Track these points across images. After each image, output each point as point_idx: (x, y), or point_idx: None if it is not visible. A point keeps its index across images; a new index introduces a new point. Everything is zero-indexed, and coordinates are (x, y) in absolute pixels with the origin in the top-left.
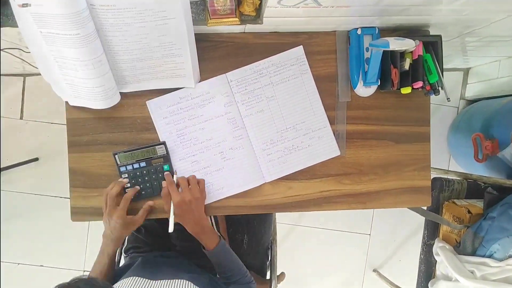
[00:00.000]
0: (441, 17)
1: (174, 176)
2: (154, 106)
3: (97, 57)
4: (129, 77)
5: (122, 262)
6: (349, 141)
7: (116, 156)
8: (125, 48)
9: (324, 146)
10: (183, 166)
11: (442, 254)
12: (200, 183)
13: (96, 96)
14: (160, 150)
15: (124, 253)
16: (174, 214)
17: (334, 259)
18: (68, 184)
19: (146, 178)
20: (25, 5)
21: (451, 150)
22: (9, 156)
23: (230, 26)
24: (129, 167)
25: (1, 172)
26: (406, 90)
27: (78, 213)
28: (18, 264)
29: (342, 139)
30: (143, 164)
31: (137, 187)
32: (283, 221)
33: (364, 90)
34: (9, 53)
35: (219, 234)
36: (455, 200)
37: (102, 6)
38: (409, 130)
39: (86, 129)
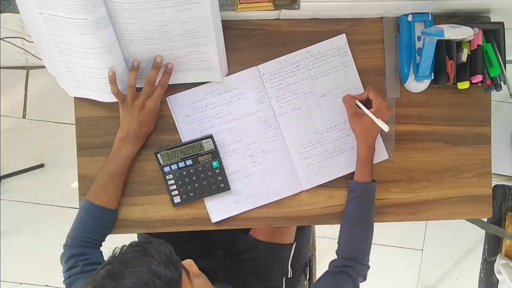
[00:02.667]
0: (504, 1)
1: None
2: (175, 102)
3: (107, 46)
4: (146, 70)
5: None
6: (398, 144)
7: (158, 155)
8: (142, 38)
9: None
10: None
11: (505, 273)
12: None
13: (103, 87)
14: (208, 145)
15: None
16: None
17: (382, 277)
18: (77, 192)
19: (194, 178)
20: None
21: None
22: (10, 161)
23: (262, 12)
24: (174, 167)
25: (2, 180)
26: (463, 85)
27: None
28: (21, 284)
29: (390, 141)
30: (189, 162)
31: (171, 64)
32: (322, 234)
33: (415, 85)
34: (10, 42)
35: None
36: None
37: None
38: (467, 130)
39: (98, 129)
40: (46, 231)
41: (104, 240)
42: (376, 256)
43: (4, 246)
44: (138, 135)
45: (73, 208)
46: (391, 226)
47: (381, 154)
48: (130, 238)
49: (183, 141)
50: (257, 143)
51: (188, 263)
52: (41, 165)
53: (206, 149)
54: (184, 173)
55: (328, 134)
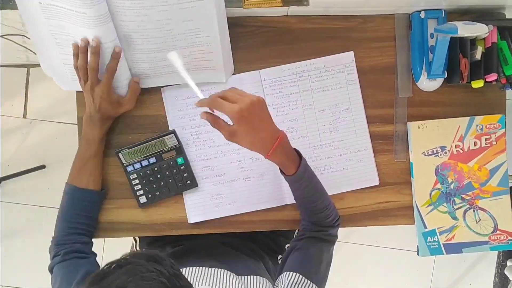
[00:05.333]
0: None
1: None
2: (169, 95)
3: (106, 43)
4: (149, 69)
5: None
6: None
7: (119, 154)
8: (144, 36)
9: (361, 172)
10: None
11: (510, 275)
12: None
13: None
14: (171, 141)
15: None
16: (237, 133)
17: (392, 282)
18: None
19: (159, 176)
20: None
21: None
22: (11, 162)
23: (270, 9)
24: (137, 166)
25: (3, 182)
26: (477, 84)
27: None
28: None
29: (403, 141)
30: (152, 160)
31: (119, 47)
32: None
33: (428, 84)
34: (10, 40)
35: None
36: None
37: None
38: None
39: None
40: (46, 234)
41: (92, 230)
42: (389, 259)
43: (4, 249)
44: (100, 118)
45: None
46: (404, 229)
47: (372, 179)
48: (129, 241)
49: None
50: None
51: None
52: (42, 166)
53: (169, 146)
54: (148, 171)
55: (321, 150)
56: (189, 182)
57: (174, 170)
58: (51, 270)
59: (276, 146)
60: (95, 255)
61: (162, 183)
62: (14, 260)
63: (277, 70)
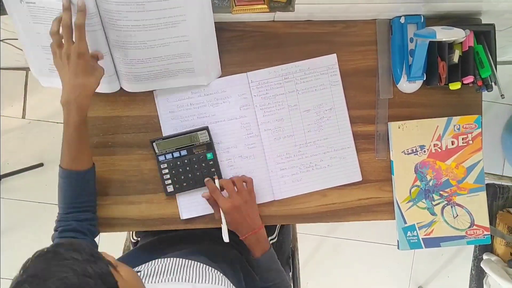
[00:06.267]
0: (494, 4)
1: (216, 180)
2: (161, 96)
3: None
4: (135, 74)
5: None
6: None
7: (154, 143)
8: (130, 40)
9: (344, 169)
10: None
11: (487, 268)
12: (247, 182)
13: None
14: (203, 137)
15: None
16: (226, 222)
17: (374, 275)
18: None
19: (188, 168)
20: None
21: (506, 153)
22: (10, 160)
23: (258, 14)
24: (169, 156)
25: (2, 179)
26: (455, 86)
27: None
28: None
29: (384, 140)
30: (184, 152)
31: (80, 1)
32: (312, 232)
33: (408, 86)
34: (9, 44)
35: (269, 241)
36: (510, 209)
37: None
38: None
39: (96, 129)
40: (45, 228)
41: (92, 205)
42: (371, 253)
43: (4, 244)
44: (76, 98)
45: None
46: (385, 224)
47: (355, 175)
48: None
49: (163, 135)
50: (236, 148)
51: (104, 253)
52: (41, 164)
53: (201, 141)
54: (179, 163)
55: (306, 148)
56: (215, 176)
57: (203, 164)
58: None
59: (250, 235)
60: (94, 233)
61: (190, 175)
62: (14, 253)
63: (264, 72)
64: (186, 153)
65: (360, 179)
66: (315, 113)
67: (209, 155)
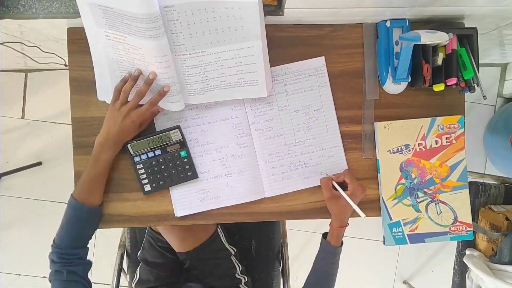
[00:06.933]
0: (477, 8)
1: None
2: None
3: (160, 74)
4: (199, 85)
5: None
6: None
7: (128, 145)
8: (209, 61)
9: (332, 167)
10: None
11: (469, 263)
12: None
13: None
14: (175, 136)
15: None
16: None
17: (360, 269)
18: (73, 189)
19: (163, 167)
20: None
21: (488, 152)
22: (10, 159)
23: None
24: (144, 157)
25: (2, 177)
26: (438, 87)
27: None
28: (20, 275)
29: (370, 140)
30: (158, 152)
31: (168, 87)
32: (302, 228)
33: (393, 87)
34: (9, 47)
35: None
36: (491, 206)
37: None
38: None
39: (93, 129)
40: (43, 225)
41: (91, 238)
42: (356, 249)
43: (3, 239)
44: (116, 141)
45: None
46: (371, 220)
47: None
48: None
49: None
50: (228, 147)
51: None
52: (39, 163)
53: (174, 140)
54: (154, 162)
55: (295, 147)
56: (190, 173)
57: (177, 162)
58: (51, 281)
59: (343, 228)
60: (89, 283)
61: (165, 174)
62: (13, 248)
63: None
64: (160, 153)
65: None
66: (304, 114)
67: (182, 153)
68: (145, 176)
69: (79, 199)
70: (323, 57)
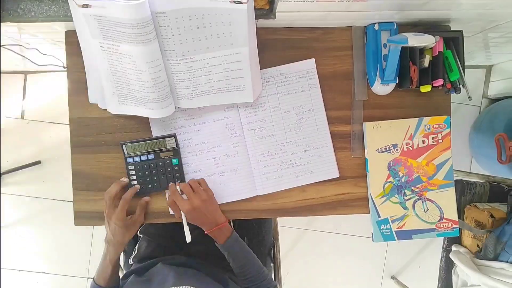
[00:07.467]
0: (462, 12)
1: (177, 187)
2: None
3: (153, 61)
4: (194, 93)
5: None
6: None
7: (123, 146)
8: (198, 67)
9: (323, 166)
10: None
11: (455, 259)
12: (201, 183)
13: (147, 102)
14: (170, 143)
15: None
16: (187, 221)
17: (349, 265)
18: (70, 187)
19: (154, 171)
20: (85, 5)
21: (473, 151)
22: (9, 158)
23: None
24: (137, 159)
25: (2, 176)
26: (425, 88)
27: (81, 217)
28: (19, 271)
29: (359, 139)
30: (151, 156)
31: (137, 186)
32: (292, 225)
33: (381, 88)
34: (9, 49)
35: (232, 228)
36: (477, 204)
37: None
38: None
39: (91, 129)
40: (42, 222)
41: None
42: (347, 245)
43: (4, 236)
44: (115, 243)
45: (67, 201)
46: (360, 217)
47: (332, 172)
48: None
49: (153, 135)
50: (221, 147)
51: None
52: (38, 162)
53: (168, 147)
54: (145, 165)
55: (287, 147)
56: (178, 181)
57: (168, 169)
58: None
59: (214, 230)
60: None
61: (155, 178)
62: (13, 245)
63: None
64: (153, 157)
65: (338, 175)
66: (295, 114)
67: (174, 161)
68: (135, 177)
69: (100, 283)
70: (313, 59)
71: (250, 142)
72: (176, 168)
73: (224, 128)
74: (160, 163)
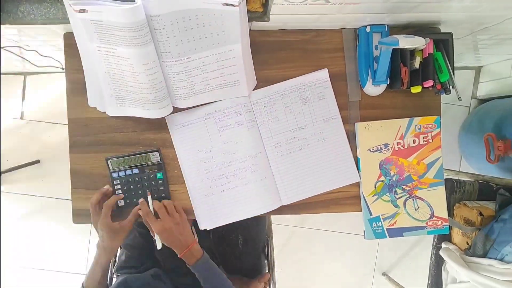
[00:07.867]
0: (452, 14)
1: (149, 197)
2: (172, 122)
3: (149, 63)
4: (191, 92)
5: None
6: None
7: (108, 161)
8: (194, 66)
9: (345, 172)
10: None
11: (445, 256)
12: (176, 206)
13: (144, 103)
14: (154, 158)
15: (115, 272)
16: (159, 236)
17: (341, 262)
18: (69, 185)
19: (138, 185)
20: (82, 10)
21: (463, 151)
22: (9, 157)
23: None
24: (121, 173)
25: (2, 175)
26: (416, 89)
27: (80, 215)
28: (19, 268)
29: (352, 139)
30: (136, 171)
31: (121, 194)
32: (285, 223)
33: (373, 89)
34: (9, 51)
35: (203, 250)
36: (466, 202)
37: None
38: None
39: (89, 129)
40: (41, 219)
41: None
42: (339, 242)
43: (4, 234)
44: (105, 247)
45: (65, 199)
46: (352, 215)
47: (354, 177)
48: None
49: (177, 151)
50: (246, 161)
51: None
52: (37, 161)
53: (152, 161)
54: (130, 180)
55: (308, 152)
56: (163, 195)
57: (153, 183)
58: None
59: (185, 252)
60: None
61: (140, 192)
62: (13, 242)
63: (265, 90)
64: (138, 172)
65: (358, 180)
66: (311, 123)
67: (159, 175)
68: (120, 192)
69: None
70: (326, 69)
71: (271, 153)
72: (160, 182)
73: (246, 137)
74: (145, 177)
